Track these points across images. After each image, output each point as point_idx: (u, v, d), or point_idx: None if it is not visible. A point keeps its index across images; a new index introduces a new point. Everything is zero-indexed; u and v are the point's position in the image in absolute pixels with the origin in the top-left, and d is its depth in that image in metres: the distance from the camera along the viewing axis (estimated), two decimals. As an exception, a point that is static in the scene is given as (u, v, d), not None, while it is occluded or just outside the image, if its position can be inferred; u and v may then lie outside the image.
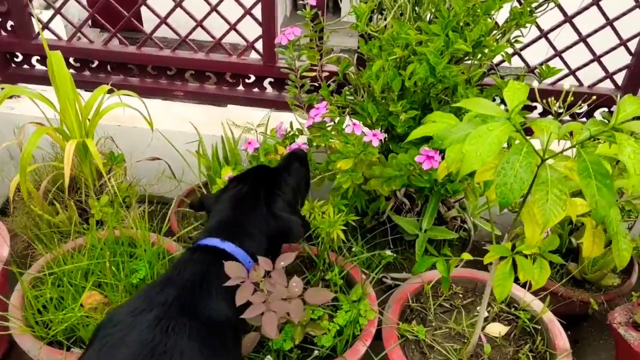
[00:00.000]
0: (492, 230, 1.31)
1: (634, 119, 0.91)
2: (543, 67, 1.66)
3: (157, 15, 2.15)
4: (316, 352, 1.44)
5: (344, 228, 1.67)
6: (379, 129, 1.74)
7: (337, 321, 1.41)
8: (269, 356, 1.41)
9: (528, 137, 0.94)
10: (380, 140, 1.86)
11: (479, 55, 1.59)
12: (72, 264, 1.51)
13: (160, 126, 2.31)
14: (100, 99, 1.90)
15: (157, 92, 2.36)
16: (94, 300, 1.44)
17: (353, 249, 1.81)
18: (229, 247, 1.30)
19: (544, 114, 2.17)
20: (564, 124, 0.92)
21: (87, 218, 1.92)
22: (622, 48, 2.01)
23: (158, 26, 2.16)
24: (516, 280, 1.15)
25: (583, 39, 1.99)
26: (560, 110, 2.41)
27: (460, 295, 1.62)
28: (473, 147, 0.87)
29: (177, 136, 2.22)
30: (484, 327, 1.52)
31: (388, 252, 1.95)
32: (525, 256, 1.17)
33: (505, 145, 1.05)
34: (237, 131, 2.18)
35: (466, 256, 1.26)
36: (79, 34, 2.28)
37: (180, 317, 1.11)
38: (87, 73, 2.34)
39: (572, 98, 1.10)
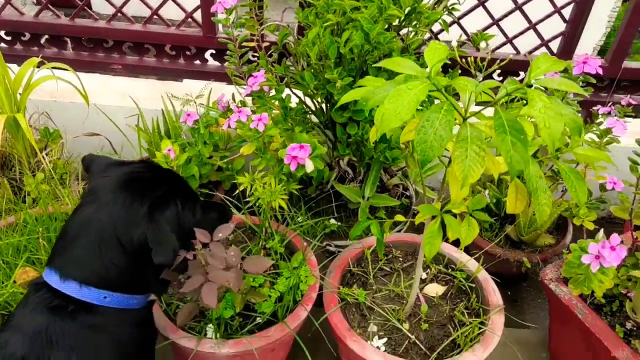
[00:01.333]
0: (425, 194, 1.33)
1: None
2: (477, 34, 1.68)
3: (90, -15, 2.08)
4: (258, 319, 1.45)
5: (286, 197, 1.68)
6: (319, 97, 1.75)
7: (277, 288, 1.43)
8: (210, 325, 1.41)
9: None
10: (322, 109, 1.89)
11: (415, 22, 1.61)
12: (4, 241, 1.47)
13: (99, 101, 2.25)
14: (30, 72, 1.83)
15: (95, 66, 2.29)
16: (28, 276, 1.41)
17: (298, 219, 1.83)
18: (71, 290, 1.06)
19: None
20: (483, 82, 0.94)
21: (24, 196, 1.86)
22: (557, 16, 2.06)
23: (91, -4, 2.09)
24: (456, 244, 1.19)
25: (519, 7, 2.03)
26: (500, 78, 2.45)
27: (400, 259, 1.66)
28: (392, 106, 0.88)
29: (117, 111, 2.17)
30: (422, 288, 1.57)
31: (332, 221, 1.97)
32: (455, 216, 1.20)
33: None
34: (179, 105, 2.14)
35: (399, 218, 1.28)
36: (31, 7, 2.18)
37: None
38: (18, 47, 2.24)
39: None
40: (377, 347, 1.39)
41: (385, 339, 1.42)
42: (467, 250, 2.06)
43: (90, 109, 2.13)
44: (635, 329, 1.50)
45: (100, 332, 1.08)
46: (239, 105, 1.93)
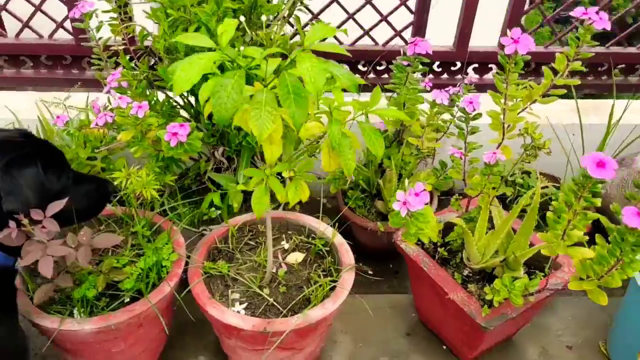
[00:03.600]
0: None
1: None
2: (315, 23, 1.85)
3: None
4: (127, 299, 1.53)
5: (157, 187, 1.77)
6: (180, 91, 1.85)
7: (139, 265, 1.52)
8: (75, 309, 1.48)
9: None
10: (189, 103, 2.00)
11: (261, 16, 1.75)
12: None
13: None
14: None
15: (-30, 80, 2.31)
16: None
17: (178, 210, 1.93)
18: None
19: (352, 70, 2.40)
20: (269, 48, 1.09)
21: None
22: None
23: (-44, 10, 2.12)
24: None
25: (369, 1, 2.23)
26: (364, 69, 2.63)
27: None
28: (183, 73, 1.01)
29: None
30: (285, 258, 1.70)
31: (212, 209, 2.08)
32: (284, 179, 1.35)
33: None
34: (59, 112, 2.19)
35: (240, 187, 1.41)
36: None
37: None
38: None
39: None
40: (238, 312, 1.51)
41: (245, 304, 1.54)
42: (346, 224, 2.22)
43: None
44: (471, 274, 1.69)
45: None
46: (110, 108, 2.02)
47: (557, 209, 1.22)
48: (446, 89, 2.03)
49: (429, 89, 2.12)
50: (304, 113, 1.04)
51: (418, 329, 1.96)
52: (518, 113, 1.61)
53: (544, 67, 1.52)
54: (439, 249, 1.76)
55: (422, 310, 1.93)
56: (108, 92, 1.74)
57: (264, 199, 1.28)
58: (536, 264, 1.72)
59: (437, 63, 2.44)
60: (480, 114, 1.68)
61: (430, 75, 2.46)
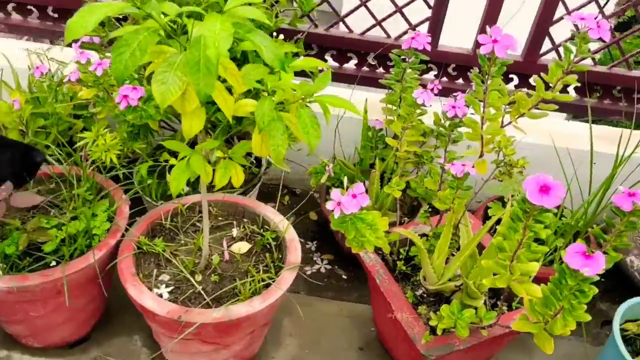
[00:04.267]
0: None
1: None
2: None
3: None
4: (53, 263, 1.46)
5: (120, 153, 1.69)
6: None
7: (64, 229, 1.44)
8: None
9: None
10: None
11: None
12: None
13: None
14: None
15: (-22, 24, 2.31)
16: None
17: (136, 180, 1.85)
18: None
19: (361, 62, 2.27)
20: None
21: None
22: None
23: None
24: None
25: (382, -10, 2.07)
26: (374, 63, 2.47)
27: (220, 218, 1.68)
28: (81, 19, 0.93)
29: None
30: (231, 245, 1.59)
31: (185, 187, 1.99)
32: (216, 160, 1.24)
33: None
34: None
35: (166, 156, 1.32)
36: None
37: None
38: None
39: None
40: (160, 295, 1.40)
41: (171, 288, 1.44)
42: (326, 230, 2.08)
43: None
44: (425, 295, 1.53)
45: None
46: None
47: (504, 234, 1.05)
48: (454, 94, 1.87)
49: (437, 91, 1.94)
50: (211, 83, 0.92)
51: (373, 345, 1.81)
52: (503, 126, 1.43)
53: (535, 77, 1.34)
54: (397, 263, 1.60)
55: (379, 325, 1.78)
56: (79, 45, 1.67)
57: (183, 177, 1.17)
58: (507, 296, 1.53)
59: (452, 66, 2.26)
60: (462, 122, 1.51)
61: (444, 79, 2.28)
